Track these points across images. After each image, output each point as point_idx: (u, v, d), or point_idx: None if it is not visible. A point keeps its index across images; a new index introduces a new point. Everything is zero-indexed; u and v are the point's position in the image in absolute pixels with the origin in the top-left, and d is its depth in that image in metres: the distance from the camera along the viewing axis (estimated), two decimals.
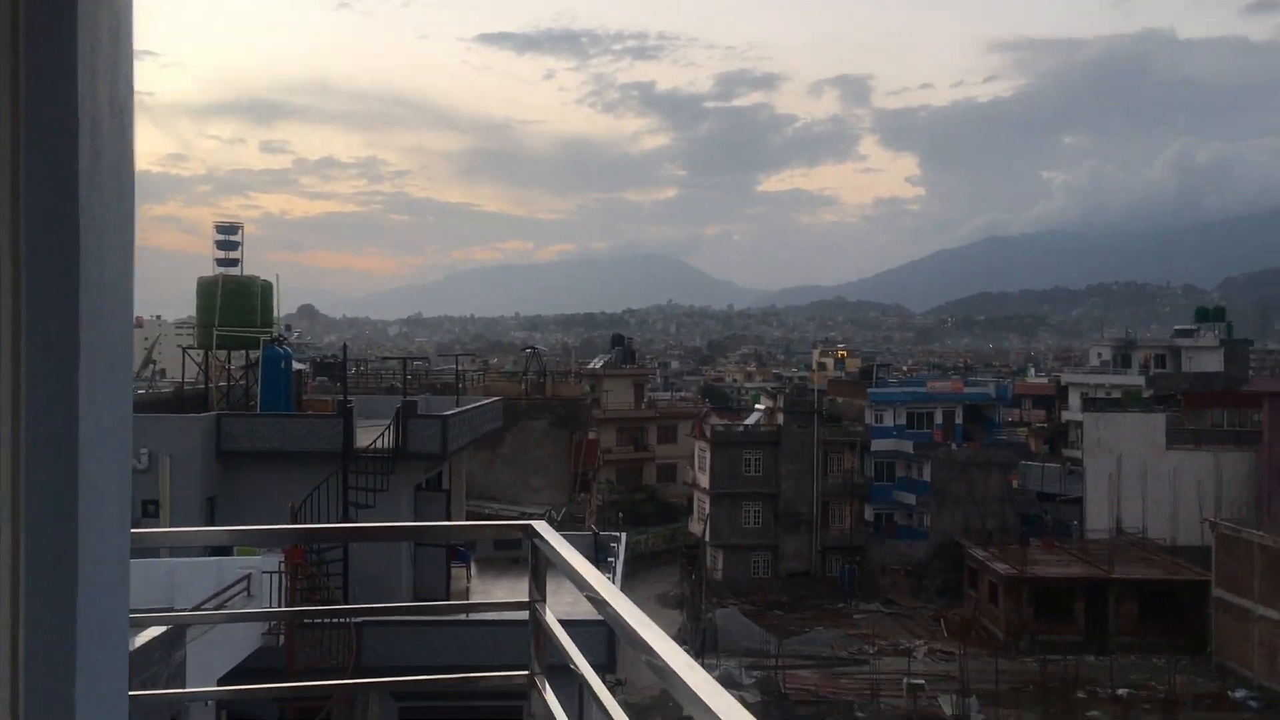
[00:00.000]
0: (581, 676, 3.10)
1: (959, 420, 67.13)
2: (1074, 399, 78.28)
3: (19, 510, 1.44)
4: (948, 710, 40.49)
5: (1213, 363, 75.80)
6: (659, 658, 2.14)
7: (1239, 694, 42.95)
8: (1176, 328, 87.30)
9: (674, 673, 2.02)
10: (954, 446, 63.77)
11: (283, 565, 17.62)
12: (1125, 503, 58.89)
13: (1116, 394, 71.85)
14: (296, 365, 25.93)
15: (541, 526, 3.68)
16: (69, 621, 1.47)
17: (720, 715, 1.78)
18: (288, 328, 38.06)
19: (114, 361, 1.56)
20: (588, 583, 2.88)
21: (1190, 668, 45.99)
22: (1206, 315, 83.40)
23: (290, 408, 23.40)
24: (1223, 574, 47.28)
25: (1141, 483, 58.95)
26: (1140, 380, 74.51)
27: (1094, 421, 64.48)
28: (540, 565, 3.72)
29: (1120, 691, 42.02)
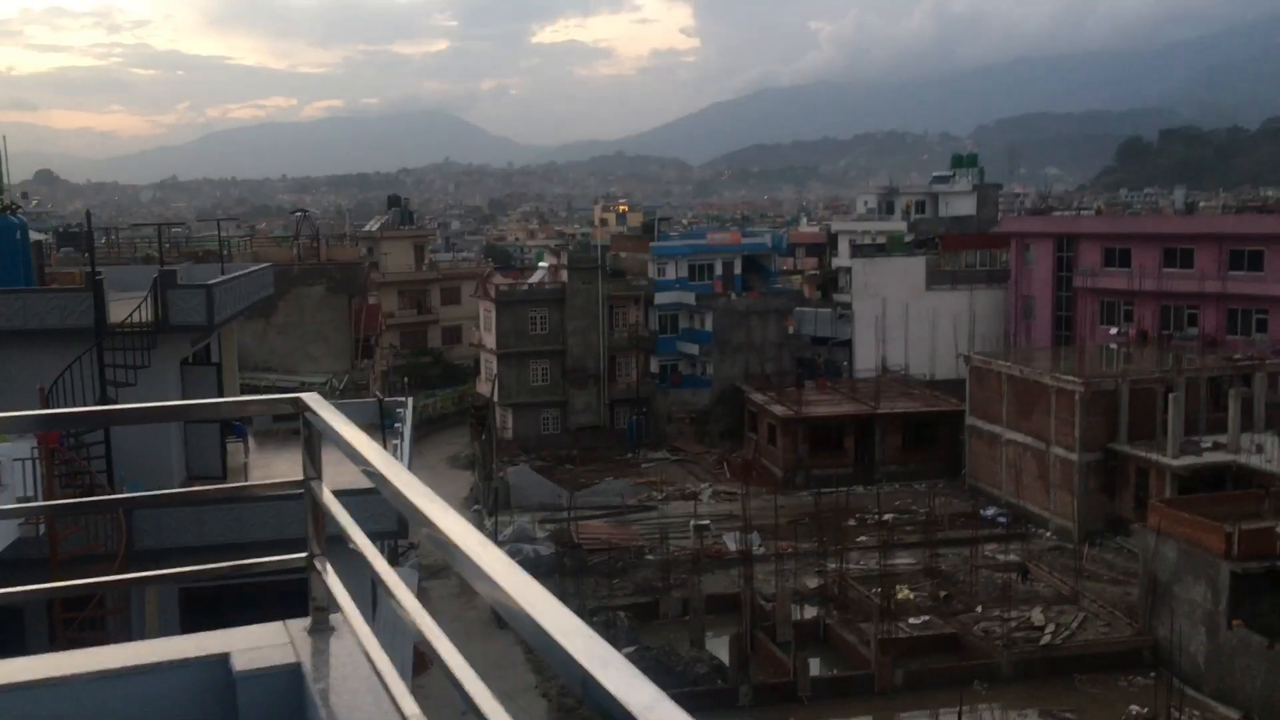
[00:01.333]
0: (363, 550, 2.95)
1: (738, 271, 69.09)
2: (843, 246, 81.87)
3: None
4: (731, 546, 42.74)
5: (967, 207, 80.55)
6: (437, 529, 2.04)
7: (989, 512, 47.25)
8: (934, 174, 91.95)
9: (454, 544, 1.94)
10: (734, 296, 65.75)
11: (36, 451, 16.32)
12: (890, 343, 62.61)
13: (881, 240, 75.53)
14: (35, 235, 23.65)
15: (311, 398, 3.47)
16: None
17: (498, 579, 1.74)
18: (24, 195, 34.64)
19: None
20: (362, 455, 2.72)
21: (948, 491, 50.12)
22: (961, 162, 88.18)
23: (31, 282, 21.38)
24: (975, 403, 51.31)
25: (904, 323, 62.69)
26: (902, 226, 78.48)
27: (860, 267, 67.83)
28: (314, 440, 3.55)
29: (886, 517, 45.41)
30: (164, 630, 16.89)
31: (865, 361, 63.31)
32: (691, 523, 45.54)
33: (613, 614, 36.07)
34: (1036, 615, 36.37)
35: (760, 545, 41.52)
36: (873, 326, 63.28)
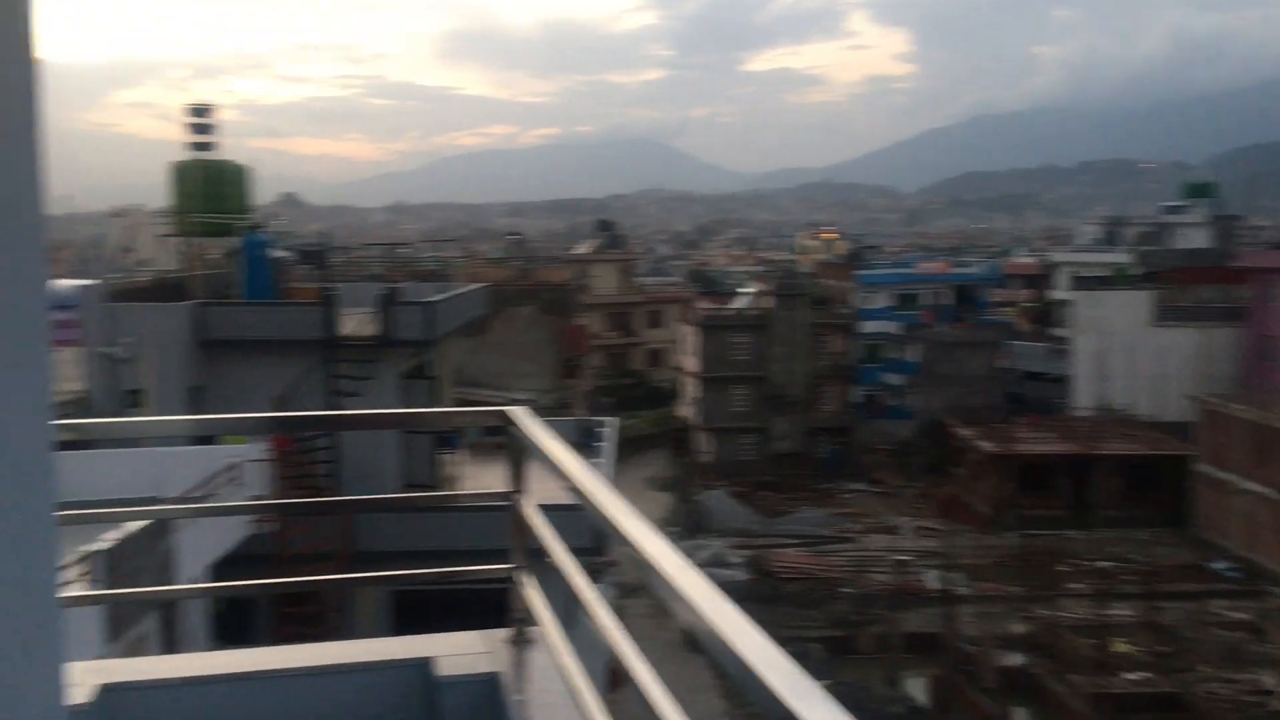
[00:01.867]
0: (563, 565, 2.99)
1: (947, 301, 67.12)
2: (1062, 278, 78.18)
3: None
4: (931, 584, 41.36)
5: (1200, 239, 75.54)
6: (639, 550, 2.06)
7: (1218, 565, 43.92)
8: (1165, 204, 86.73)
9: (655, 565, 1.94)
10: (942, 327, 63.88)
11: (270, 453, 17.53)
12: (1111, 380, 59.27)
13: (1104, 272, 71.73)
14: (278, 253, 25.48)
15: (518, 413, 3.55)
16: None
17: (699, 604, 1.73)
18: (271, 216, 37.43)
19: (15, 242, 1.39)
20: (566, 472, 2.75)
21: (1171, 540, 46.91)
22: (1195, 191, 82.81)
23: (273, 296, 23.05)
24: (1205, 448, 47.88)
25: (1128, 360, 59.24)
26: (1128, 258, 74.31)
27: (1081, 300, 64.50)
28: (519, 454, 3.61)
29: (1102, 564, 42.91)
30: (374, 630, 17.80)
31: (1083, 399, 60.13)
32: (891, 557, 44.36)
33: (806, 646, 35.51)
34: (1268, 679, 33.52)
35: (964, 585, 40.01)
36: (1092, 362, 60.07)
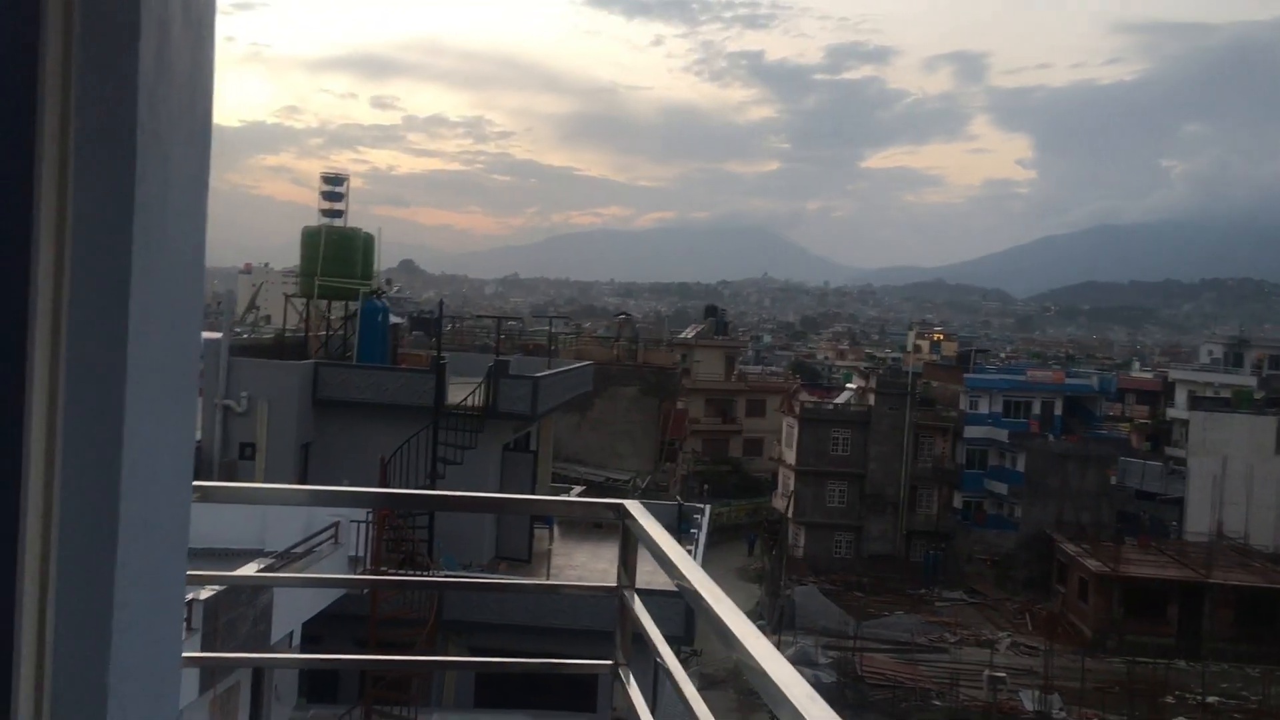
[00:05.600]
0: (661, 658, 2.99)
1: (1058, 411, 65.37)
2: (1180, 396, 75.57)
3: (54, 455, 1.31)
4: (1029, 706, 39.66)
5: None
6: (748, 654, 2.07)
7: None
8: None
9: (763, 670, 1.96)
10: (1051, 438, 62.13)
11: (371, 515, 17.88)
12: (1228, 506, 56.80)
13: (1226, 394, 69.15)
14: (394, 319, 26.25)
15: (634, 506, 3.48)
16: (106, 573, 1.34)
17: (798, 705, 1.76)
18: (388, 281, 38.61)
19: (173, 291, 1.43)
20: (677, 568, 2.75)
21: None
22: None
23: (386, 360, 23.70)
24: None
25: (1246, 486, 56.77)
26: (1252, 381, 71.56)
27: (1200, 420, 62.20)
28: (630, 546, 3.56)
29: (1210, 699, 40.67)
30: (459, 699, 17.81)
31: (1197, 524, 57.57)
32: (986, 673, 42.72)
33: None
34: None
35: (1062, 709, 38.28)
36: (1209, 486, 57.65)
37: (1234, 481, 57.08)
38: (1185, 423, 66.44)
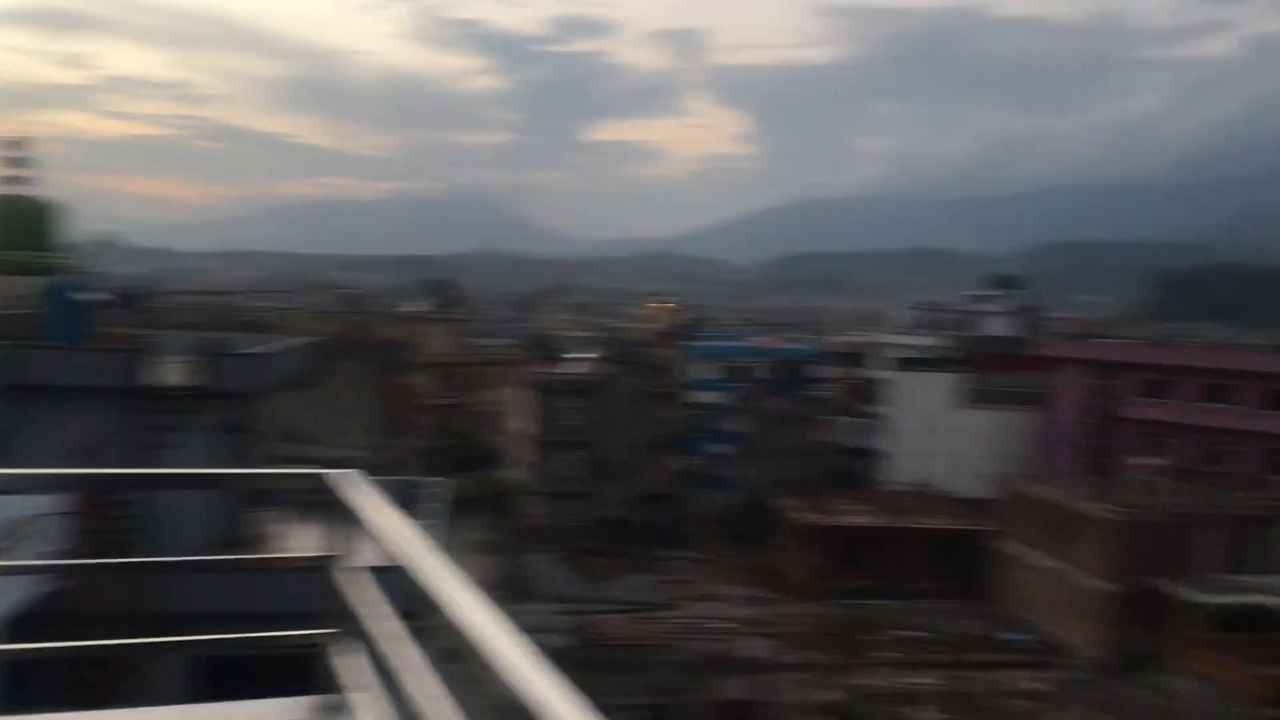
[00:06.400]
0: (383, 629, 2.98)
1: (775, 375, 69.19)
2: (881, 358, 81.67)
3: None
4: (751, 652, 42.06)
5: (1007, 328, 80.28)
6: (460, 616, 2.11)
7: (1014, 636, 46.24)
8: (974, 293, 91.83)
9: (476, 632, 2.00)
10: (769, 401, 65.72)
11: (71, 506, 16.63)
12: (922, 457, 62.10)
13: (918, 354, 75.31)
14: (93, 295, 24.36)
15: (339, 476, 3.46)
16: None
17: (520, 673, 1.80)
18: (90, 255, 35.75)
19: None
20: (388, 535, 2.75)
21: (973, 612, 49.13)
22: (1002, 282, 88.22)
23: (82, 340, 21.98)
24: (1007, 524, 50.57)
25: (936, 438, 62.22)
26: (941, 342, 78.28)
27: (896, 380, 67.68)
28: (337, 515, 3.47)
29: (908, 634, 44.58)
30: (174, 697, 16.94)
31: (897, 474, 62.78)
32: (712, 624, 44.93)
33: (624, 713, 35.48)
34: None
35: (780, 653, 40.84)
36: (905, 440, 62.90)
37: (926, 434, 62.47)
38: (886, 382, 71.96)
